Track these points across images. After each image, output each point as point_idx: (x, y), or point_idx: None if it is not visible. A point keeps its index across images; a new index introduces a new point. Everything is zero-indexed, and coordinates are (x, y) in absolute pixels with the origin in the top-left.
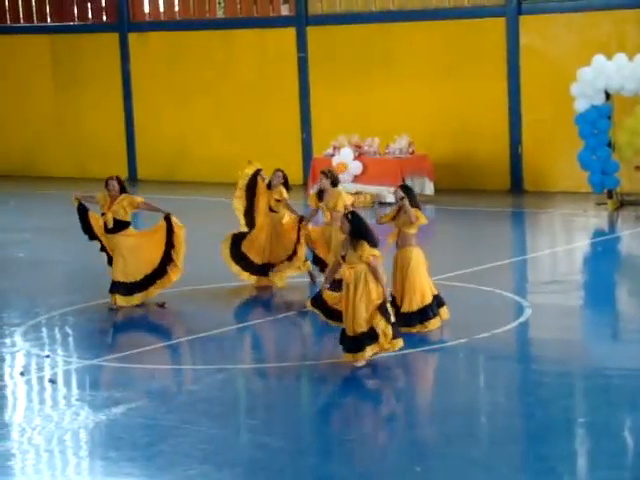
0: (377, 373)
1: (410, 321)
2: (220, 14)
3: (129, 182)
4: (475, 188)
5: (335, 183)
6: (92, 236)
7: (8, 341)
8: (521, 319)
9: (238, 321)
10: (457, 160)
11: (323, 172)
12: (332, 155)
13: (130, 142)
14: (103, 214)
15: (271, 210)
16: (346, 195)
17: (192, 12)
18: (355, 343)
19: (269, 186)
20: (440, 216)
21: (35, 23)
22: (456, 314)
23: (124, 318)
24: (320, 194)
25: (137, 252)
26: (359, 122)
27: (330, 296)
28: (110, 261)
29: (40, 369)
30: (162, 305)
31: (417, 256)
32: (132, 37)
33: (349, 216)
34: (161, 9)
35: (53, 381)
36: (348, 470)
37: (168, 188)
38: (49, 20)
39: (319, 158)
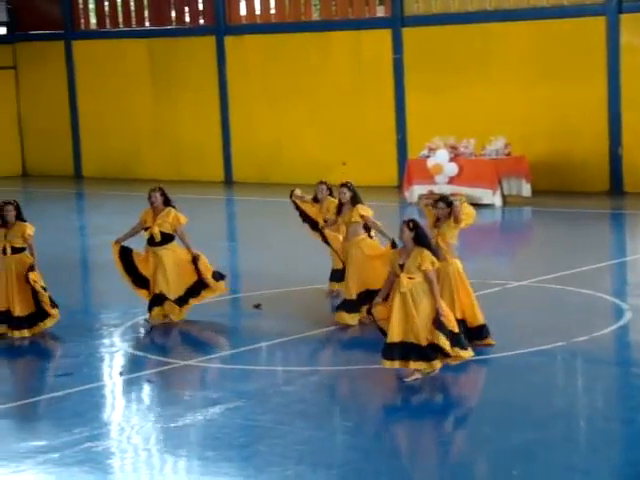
0: (471, 376)
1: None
2: (315, 16)
3: None
4: (573, 190)
5: (355, 199)
6: (142, 283)
7: (107, 341)
8: (621, 322)
9: (331, 323)
10: (555, 161)
11: (345, 185)
12: (427, 157)
13: (226, 145)
14: (147, 229)
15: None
16: (363, 208)
17: (287, 14)
18: (422, 353)
19: (315, 200)
20: (537, 218)
21: (133, 27)
22: (555, 317)
23: (219, 320)
24: (340, 207)
25: (179, 268)
26: (455, 123)
27: (380, 311)
28: (138, 280)
29: (138, 369)
30: (258, 306)
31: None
32: (228, 40)
33: (410, 224)
34: (257, 12)
35: (151, 381)
36: (443, 472)
37: (263, 190)
38: (147, 24)
39: (414, 160)
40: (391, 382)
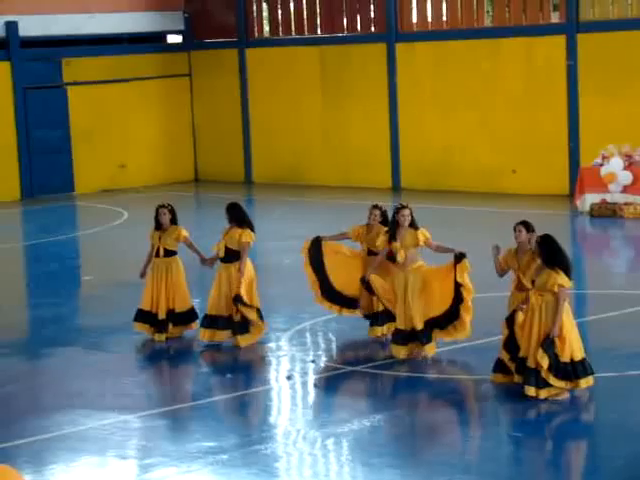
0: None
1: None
2: (488, 22)
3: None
4: None
5: (385, 222)
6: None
7: (274, 345)
8: None
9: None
10: None
11: (376, 207)
12: (601, 165)
13: (394, 152)
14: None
15: (371, 253)
16: (425, 232)
17: (460, 21)
18: (539, 377)
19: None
20: None
21: (306, 35)
22: None
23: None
24: (369, 229)
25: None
26: (630, 131)
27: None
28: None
29: (305, 374)
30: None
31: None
32: (399, 47)
33: (539, 239)
34: (429, 19)
35: (317, 386)
36: None
37: (432, 197)
38: (319, 32)
39: (587, 168)
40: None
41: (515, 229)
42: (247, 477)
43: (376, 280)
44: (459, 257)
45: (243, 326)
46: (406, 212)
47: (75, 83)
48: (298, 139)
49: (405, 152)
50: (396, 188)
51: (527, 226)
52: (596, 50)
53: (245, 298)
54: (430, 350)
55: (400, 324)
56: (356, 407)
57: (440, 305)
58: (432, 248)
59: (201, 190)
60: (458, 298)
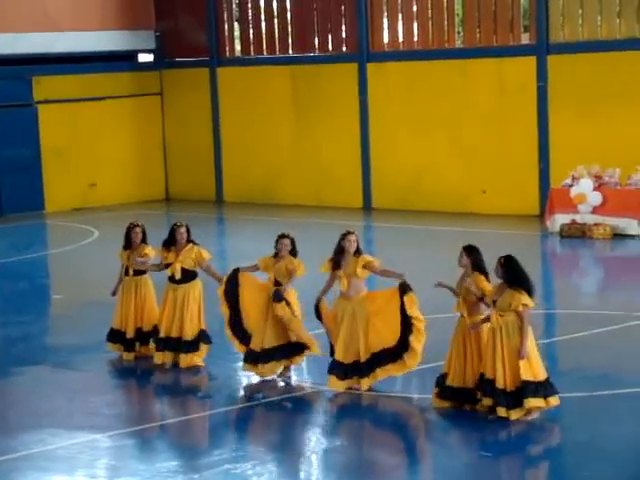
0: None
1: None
2: (459, 43)
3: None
4: None
5: (294, 251)
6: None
7: (240, 365)
8: None
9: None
10: None
11: (285, 236)
12: (570, 185)
13: (365, 171)
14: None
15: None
16: (367, 258)
17: (431, 42)
18: (509, 398)
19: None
20: None
21: (277, 54)
22: None
23: None
24: (277, 259)
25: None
26: (599, 152)
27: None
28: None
29: (277, 394)
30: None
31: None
32: (370, 67)
33: (502, 260)
34: (400, 39)
35: (285, 406)
36: None
37: (402, 217)
38: (291, 51)
39: (557, 189)
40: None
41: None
42: None
43: (323, 307)
44: (404, 288)
45: (189, 346)
46: (352, 238)
47: (46, 101)
48: (269, 158)
49: (376, 172)
50: (367, 208)
51: (468, 251)
52: (566, 71)
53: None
54: (368, 383)
55: (339, 356)
56: (327, 427)
57: (387, 338)
58: (377, 272)
59: (172, 209)
60: (407, 329)
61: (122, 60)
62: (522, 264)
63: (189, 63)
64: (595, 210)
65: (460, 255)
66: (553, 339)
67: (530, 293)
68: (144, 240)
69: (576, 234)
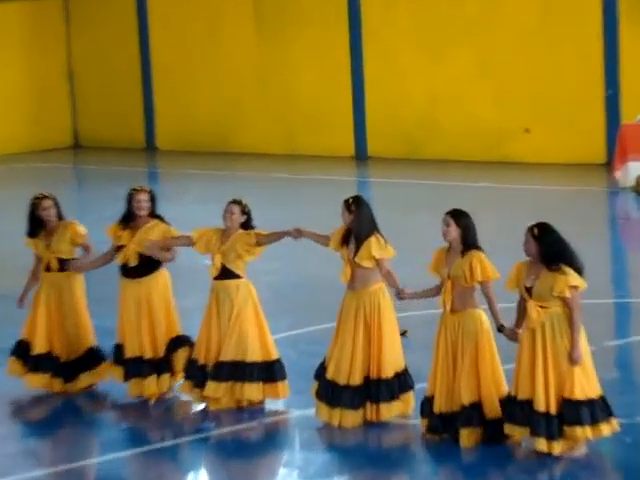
0: None
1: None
2: None
3: None
4: None
5: (247, 224)
6: None
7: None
8: None
9: None
10: None
11: (236, 202)
12: None
13: (358, 107)
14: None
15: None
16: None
17: None
18: (551, 424)
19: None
20: None
21: None
22: None
23: None
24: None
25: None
26: None
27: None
28: None
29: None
30: (404, 334)
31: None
32: None
33: (535, 231)
34: None
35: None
36: None
37: (409, 169)
38: None
39: (631, 125)
40: None
41: (444, 222)
42: None
43: None
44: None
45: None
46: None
47: None
48: (222, 90)
49: (373, 107)
50: (361, 157)
51: (457, 218)
52: None
53: None
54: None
55: (330, 374)
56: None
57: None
58: (382, 272)
59: (83, 160)
60: None
61: None
62: (566, 236)
63: None
64: None
65: (444, 224)
66: (627, 339)
67: (579, 271)
68: (60, 216)
69: None
